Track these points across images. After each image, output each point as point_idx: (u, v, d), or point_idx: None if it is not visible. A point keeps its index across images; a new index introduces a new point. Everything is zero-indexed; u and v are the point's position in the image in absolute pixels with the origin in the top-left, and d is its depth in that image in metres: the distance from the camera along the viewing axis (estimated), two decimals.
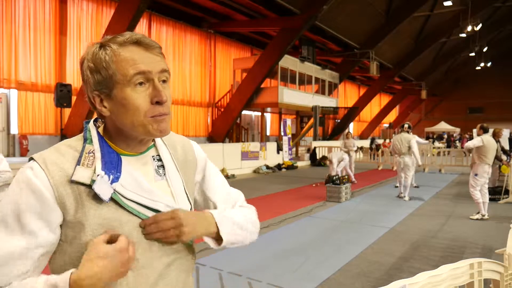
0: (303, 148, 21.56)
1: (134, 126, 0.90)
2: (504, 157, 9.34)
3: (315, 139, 20.35)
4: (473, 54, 31.38)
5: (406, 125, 8.76)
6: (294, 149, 19.49)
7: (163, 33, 17.03)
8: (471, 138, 27.45)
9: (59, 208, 0.85)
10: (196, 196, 1.15)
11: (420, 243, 5.10)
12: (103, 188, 0.86)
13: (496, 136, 8.12)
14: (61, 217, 0.86)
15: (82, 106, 11.43)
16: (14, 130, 12.39)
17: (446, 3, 21.60)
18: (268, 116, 23.99)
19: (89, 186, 0.86)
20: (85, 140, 0.93)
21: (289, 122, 17.01)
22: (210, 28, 19.08)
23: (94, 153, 0.90)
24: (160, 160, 1.02)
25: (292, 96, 19.43)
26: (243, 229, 1.07)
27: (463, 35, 24.86)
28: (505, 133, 14.57)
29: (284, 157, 16.14)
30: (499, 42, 35.64)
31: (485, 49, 32.66)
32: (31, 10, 12.52)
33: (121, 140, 0.96)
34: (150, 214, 0.92)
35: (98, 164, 0.89)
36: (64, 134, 11.52)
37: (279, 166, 15.11)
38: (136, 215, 0.91)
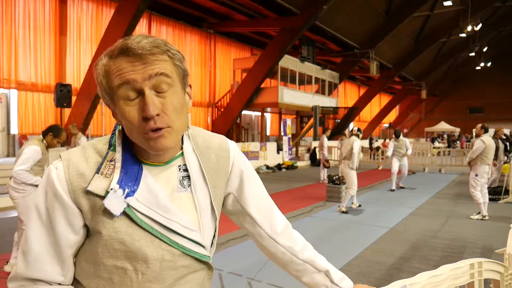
0: (303, 148, 21.57)
1: (135, 141, 0.85)
2: (504, 158, 9.35)
3: (315, 139, 20.34)
4: (473, 54, 31.42)
5: (355, 128, 7.47)
6: (294, 149, 19.49)
7: (163, 33, 17.06)
8: (470, 138, 27.52)
9: (79, 212, 0.84)
10: (229, 208, 1.07)
11: (420, 243, 5.09)
12: (114, 203, 0.82)
13: (496, 135, 8.13)
14: (82, 220, 0.85)
15: (82, 106, 11.42)
16: (14, 130, 12.40)
17: (446, 3, 21.60)
18: (268, 116, 24.00)
19: (104, 198, 0.83)
20: (109, 146, 0.88)
21: (289, 122, 17.01)
22: (210, 28, 19.09)
23: (115, 162, 0.86)
24: (186, 170, 0.93)
25: (292, 96, 19.43)
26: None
27: (463, 35, 24.88)
28: (505, 132, 14.60)
29: (284, 157, 16.14)
30: (499, 42, 35.66)
31: (485, 49, 32.68)
32: (31, 10, 12.53)
33: (140, 149, 0.88)
34: (164, 232, 0.86)
35: (116, 175, 0.84)
36: None
37: (279, 166, 15.12)
38: (149, 232, 0.85)
